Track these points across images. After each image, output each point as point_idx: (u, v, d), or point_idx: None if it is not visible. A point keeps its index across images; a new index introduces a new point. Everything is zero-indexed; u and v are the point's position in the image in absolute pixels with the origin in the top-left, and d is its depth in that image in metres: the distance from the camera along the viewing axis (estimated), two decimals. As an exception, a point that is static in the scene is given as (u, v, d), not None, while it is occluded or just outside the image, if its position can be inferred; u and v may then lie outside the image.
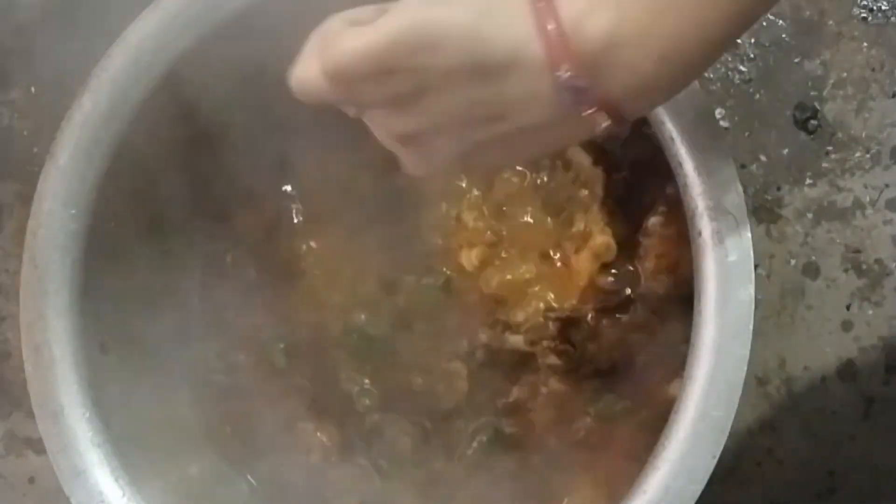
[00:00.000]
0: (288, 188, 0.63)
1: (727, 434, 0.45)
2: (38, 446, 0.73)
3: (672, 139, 0.47)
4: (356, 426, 0.61)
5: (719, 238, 0.46)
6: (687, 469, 0.45)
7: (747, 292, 0.45)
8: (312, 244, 0.63)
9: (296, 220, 0.63)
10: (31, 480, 0.74)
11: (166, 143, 0.57)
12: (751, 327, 0.45)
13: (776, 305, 0.65)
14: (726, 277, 0.46)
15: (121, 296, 0.57)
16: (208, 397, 0.62)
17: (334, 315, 0.61)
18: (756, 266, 0.64)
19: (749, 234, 0.46)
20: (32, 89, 0.75)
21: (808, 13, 0.65)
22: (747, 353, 0.45)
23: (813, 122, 0.65)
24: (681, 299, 0.54)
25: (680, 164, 0.47)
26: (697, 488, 0.45)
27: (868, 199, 0.64)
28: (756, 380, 0.64)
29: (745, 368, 0.45)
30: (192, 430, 0.61)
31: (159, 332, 0.59)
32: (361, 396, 0.60)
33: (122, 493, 0.52)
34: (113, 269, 0.56)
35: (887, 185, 0.64)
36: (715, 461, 0.45)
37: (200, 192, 0.61)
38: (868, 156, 0.64)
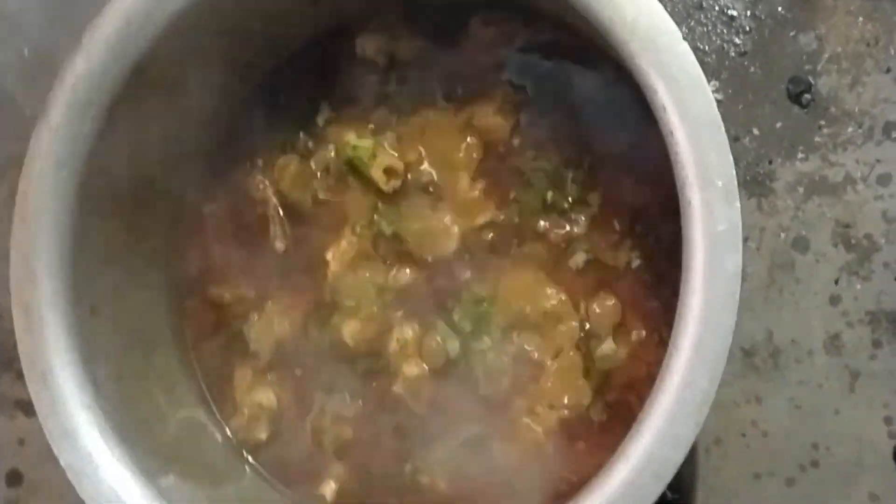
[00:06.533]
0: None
1: (711, 402, 0.45)
2: (27, 408, 0.73)
3: (664, 108, 0.47)
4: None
5: (708, 208, 0.46)
6: (671, 437, 0.45)
7: (735, 262, 0.45)
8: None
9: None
10: (21, 442, 0.74)
11: (159, 104, 0.56)
12: (737, 297, 0.45)
13: (765, 279, 0.65)
14: (714, 247, 0.46)
15: (111, 257, 0.57)
16: (197, 358, 0.62)
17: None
18: (746, 239, 0.65)
19: (738, 205, 0.46)
20: (25, 51, 0.75)
21: (804, -14, 0.65)
22: (733, 322, 0.45)
23: (807, 96, 0.65)
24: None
25: (671, 133, 0.47)
26: (681, 456, 0.45)
27: (859, 174, 0.64)
28: (743, 352, 0.65)
29: (731, 338, 0.45)
30: (181, 391, 0.61)
31: (149, 292, 0.60)
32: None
33: (111, 453, 0.52)
34: (104, 230, 0.56)
35: (879, 161, 0.64)
36: (699, 429, 0.45)
37: (193, 152, 0.61)
38: (860, 131, 0.64)
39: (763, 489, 0.65)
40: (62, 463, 0.52)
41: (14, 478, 0.74)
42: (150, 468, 0.53)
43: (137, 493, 0.51)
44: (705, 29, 0.66)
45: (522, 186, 0.59)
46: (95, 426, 0.52)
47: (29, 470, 0.74)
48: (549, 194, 0.59)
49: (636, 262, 0.58)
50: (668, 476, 0.45)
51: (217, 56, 0.57)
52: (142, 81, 0.54)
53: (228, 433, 0.62)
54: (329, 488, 0.61)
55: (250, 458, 0.62)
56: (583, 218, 0.58)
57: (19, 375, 0.72)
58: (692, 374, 0.45)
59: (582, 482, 0.49)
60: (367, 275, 0.61)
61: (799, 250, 0.65)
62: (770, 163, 0.65)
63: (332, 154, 0.61)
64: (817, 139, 0.65)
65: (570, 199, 0.59)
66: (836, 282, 0.64)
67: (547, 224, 0.59)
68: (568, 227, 0.59)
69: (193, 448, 0.60)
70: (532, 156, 0.59)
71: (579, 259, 0.58)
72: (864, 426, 0.64)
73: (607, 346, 0.57)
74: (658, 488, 0.45)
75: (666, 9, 0.48)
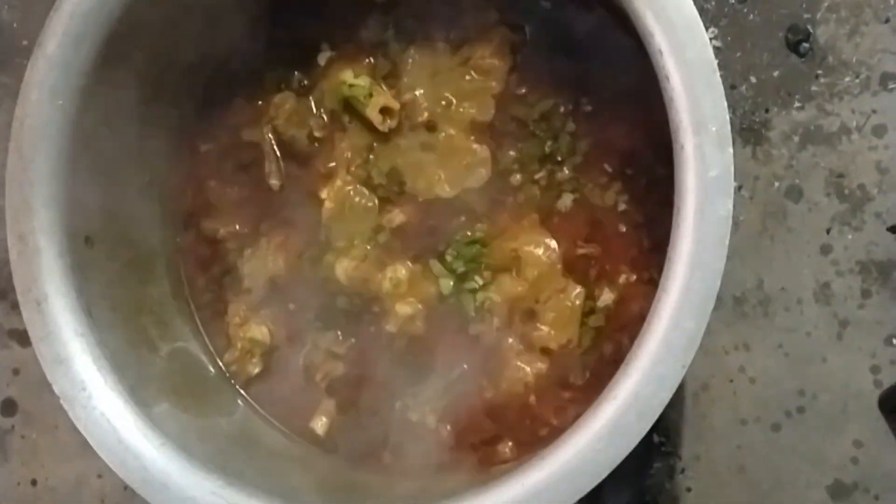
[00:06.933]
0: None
1: (698, 345, 0.46)
2: (22, 338, 0.74)
3: (661, 52, 0.47)
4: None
5: (701, 153, 0.46)
6: (657, 377, 0.46)
7: (726, 207, 0.46)
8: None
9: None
10: (16, 372, 0.75)
11: (155, 33, 0.56)
12: (727, 242, 0.46)
13: (757, 227, 0.65)
14: (706, 192, 0.46)
15: (107, 188, 0.57)
16: (191, 291, 0.63)
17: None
18: (739, 187, 0.65)
19: (731, 151, 0.46)
20: (22, -19, 0.74)
21: (806, -66, 0.65)
22: (722, 266, 0.45)
23: (805, 44, 0.65)
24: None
25: (667, 78, 0.47)
26: (666, 396, 0.46)
27: (855, 124, 0.64)
28: (733, 299, 0.65)
29: (719, 281, 0.45)
30: (173, 321, 0.62)
31: (144, 225, 0.60)
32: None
33: (104, 381, 0.52)
34: (99, 161, 0.56)
35: (874, 111, 0.64)
36: (685, 371, 0.46)
37: (188, 86, 0.61)
38: (857, 81, 0.64)
39: (749, 434, 0.66)
40: (55, 390, 0.52)
41: (9, 407, 0.75)
42: (142, 397, 0.53)
43: (130, 421, 0.52)
44: (706, -25, 0.66)
45: (524, 135, 0.60)
46: (89, 354, 0.53)
47: (23, 399, 0.75)
48: (549, 143, 0.59)
49: (623, 206, 0.58)
50: (653, 416, 0.46)
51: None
52: (138, 13, 0.54)
53: (221, 366, 0.63)
54: (320, 423, 0.61)
55: (243, 392, 0.63)
56: (572, 162, 0.59)
57: (14, 306, 0.72)
58: (680, 317, 0.46)
59: (564, 427, 0.49)
60: (361, 213, 0.61)
61: (792, 199, 0.65)
62: (766, 111, 0.65)
63: (329, 92, 0.61)
64: (814, 88, 0.65)
65: (565, 143, 0.59)
66: (828, 231, 0.65)
67: (540, 166, 0.59)
68: (560, 170, 0.59)
69: (186, 380, 0.60)
70: (534, 101, 0.59)
71: (567, 200, 0.58)
72: (851, 374, 0.65)
73: (606, 296, 0.58)
74: (643, 427, 0.46)
75: (666, -47, 0.48)
